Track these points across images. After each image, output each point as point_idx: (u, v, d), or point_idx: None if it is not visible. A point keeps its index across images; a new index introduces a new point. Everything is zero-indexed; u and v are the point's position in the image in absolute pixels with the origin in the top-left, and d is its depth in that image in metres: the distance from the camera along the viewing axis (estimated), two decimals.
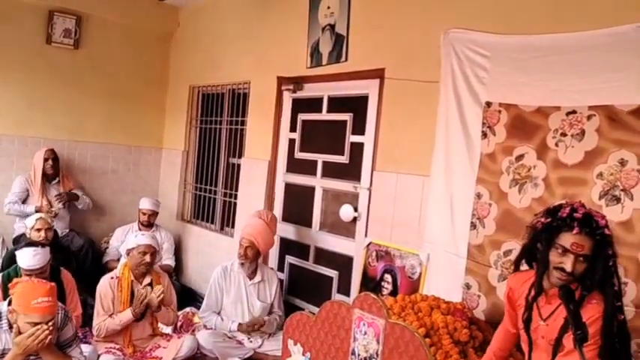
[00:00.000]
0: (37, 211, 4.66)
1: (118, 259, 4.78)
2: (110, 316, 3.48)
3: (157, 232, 5.13)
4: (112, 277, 3.58)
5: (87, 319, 3.69)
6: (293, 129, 4.46)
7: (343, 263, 4.00)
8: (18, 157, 5.24)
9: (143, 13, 5.76)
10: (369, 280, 3.60)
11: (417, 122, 3.36)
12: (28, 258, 3.18)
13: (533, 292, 2.01)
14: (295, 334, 2.60)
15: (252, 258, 3.93)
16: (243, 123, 5.06)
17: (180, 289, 4.71)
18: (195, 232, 5.62)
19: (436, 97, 3.17)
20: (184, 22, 5.96)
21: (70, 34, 5.40)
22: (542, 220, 1.97)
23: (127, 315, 3.45)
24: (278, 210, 4.60)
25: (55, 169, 4.98)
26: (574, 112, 2.55)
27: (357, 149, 3.87)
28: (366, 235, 3.73)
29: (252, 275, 3.97)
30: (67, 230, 4.99)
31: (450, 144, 3.10)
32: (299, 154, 4.39)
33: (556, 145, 2.61)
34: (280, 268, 4.53)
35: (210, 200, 5.53)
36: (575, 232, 1.83)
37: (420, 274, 3.27)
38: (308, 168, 4.32)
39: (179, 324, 4.06)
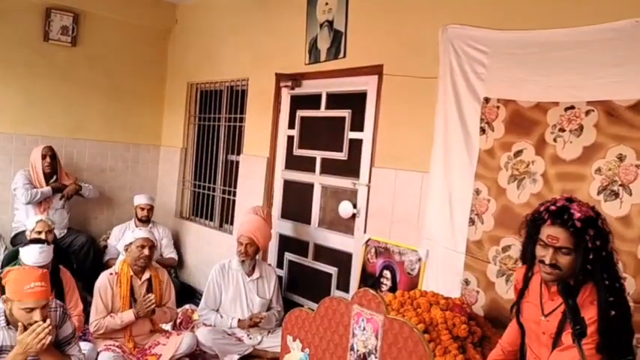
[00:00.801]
0: (56, 190, 4.76)
1: (117, 257, 4.77)
2: (110, 313, 3.48)
3: (155, 229, 5.13)
4: (110, 274, 3.57)
5: (88, 316, 3.69)
6: (291, 126, 4.45)
7: (342, 260, 4.00)
8: (16, 155, 5.22)
9: (141, 9, 5.74)
10: (368, 277, 3.61)
11: (415, 118, 3.36)
12: (34, 255, 3.21)
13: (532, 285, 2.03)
14: (294, 330, 2.61)
15: (253, 255, 3.94)
16: (241, 120, 5.05)
17: (179, 286, 4.72)
18: (194, 229, 5.62)
19: (435, 93, 3.17)
20: (182, 18, 5.95)
21: (67, 32, 5.38)
22: (529, 215, 1.99)
23: (129, 316, 3.47)
24: (277, 207, 4.60)
25: (52, 168, 4.93)
26: (572, 107, 2.55)
27: (356, 146, 3.87)
28: (365, 232, 3.73)
29: (250, 272, 3.97)
30: (66, 231, 4.97)
31: (449, 140, 3.10)
32: (297, 151, 4.39)
33: (554, 140, 2.62)
34: (279, 265, 4.53)
35: (209, 197, 5.53)
36: (548, 223, 1.86)
37: (419, 270, 3.28)
38: (307, 165, 4.32)
39: (178, 321, 4.06)
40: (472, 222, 2.98)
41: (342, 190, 4.04)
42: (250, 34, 4.84)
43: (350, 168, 3.93)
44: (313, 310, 2.67)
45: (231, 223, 5.09)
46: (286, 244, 4.54)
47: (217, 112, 5.43)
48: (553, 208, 1.87)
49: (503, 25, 2.84)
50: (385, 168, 3.57)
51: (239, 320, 3.85)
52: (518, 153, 2.77)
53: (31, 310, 2.40)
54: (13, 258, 3.78)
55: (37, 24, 5.24)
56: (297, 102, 4.43)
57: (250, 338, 3.83)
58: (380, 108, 3.62)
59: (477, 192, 2.96)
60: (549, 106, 2.64)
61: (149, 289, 3.60)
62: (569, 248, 1.82)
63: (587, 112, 2.50)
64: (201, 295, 4.15)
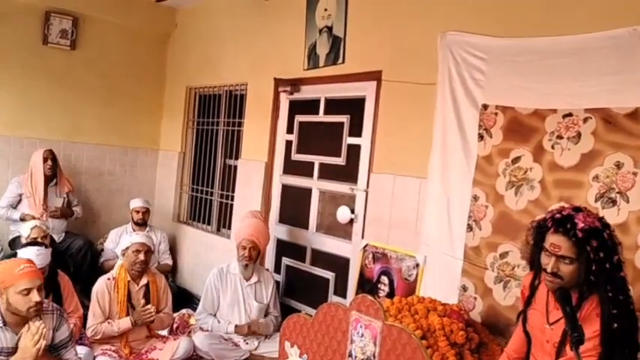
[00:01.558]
0: (21, 220, 4.63)
1: (114, 259, 4.76)
2: (107, 319, 3.47)
3: (152, 233, 5.12)
4: (108, 279, 3.57)
5: (85, 320, 3.69)
6: (290, 130, 4.46)
7: (340, 265, 4.00)
8: (13, 158, 5.22)
9: (140, 14, 5.75)
10: (365, 282, 3.60)
11: (413, 124, 3.36)
12: (31, 257, 3.19)
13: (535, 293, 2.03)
14: (292, 335, 2.60)
15: (256, 258, 3.94)
16: (240, 124, 5.06)
17: (176, 291, 4.71)
18: (191, 233, 5.61)
19: (433, 99, 3.18)
20: (182, 23, 5.96)
21: (66, 35, 5.38)
22: (534, 222, 1.99)
23: (126, 324, 3.46)
24: (275, 211, 4.60)
25: (53, 170, 4.93)
26: (570, 114, 2.56)
27: (354, 151, 3.87)
28: (362, 237, 3.73)
29: (249, 276, 3.97)
30: (64, 234, 4.97)
31: (447, 146, 3.11)
32: (296, 156, 4.39)
33: (552, 147, 2.62)
34: (277, 270, 4.53)
35: (207, 202, 5.53)
36: (551, 231, 1.86)
37: (417, 275, 3.28)
38: (305, 170, 4.32)
39: (175, 326, 4.05)
40: (470, 228, 2.98)
41: (340, 196, 4.04)
42: (249, 38, 4.85)
43: (348, 173, 3.93)
44: (311, 315, 2.67)
45: (229, 228, 5.09)
46: (284, 248, 4.53)
47: (216, 117, 5.43)
48: (558, 216, 1.87)
49: (502, 32, 2.85)
50: (383, 173, 3.57)
51: (236, 326, 3.84)
52: (516, 160, 2.77)
53: (28, 291, 2.39)
54: None
55: (37, 27, 5.25)
56: (296, 107, 4.44)
57: (247, 343, 3.83)
58: (378, 114, 3.63)
59: (475, 198, 2.96)
60: (547, 113, 2.65)
61: (146, 295, 3.60)
62: (572, 258, 1.81)
63: (585, 120, 2.50)
64: (198, 300, 4.14)
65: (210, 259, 5.07)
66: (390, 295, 3.36)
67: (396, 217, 3.48)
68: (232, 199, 5.07)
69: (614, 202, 2.38)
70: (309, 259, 4.28)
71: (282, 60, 4.45)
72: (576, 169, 2.52)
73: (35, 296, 2.39)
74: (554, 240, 1.84)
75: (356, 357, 2.23)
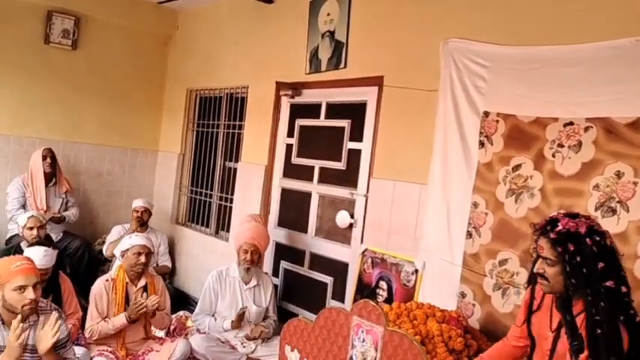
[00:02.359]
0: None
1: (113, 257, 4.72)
2: (104, 319, 3.46)
3: (152, 234, 5.10)
4: (106, 280, 3.56)
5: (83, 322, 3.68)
6: (290, 134, 4.46)
7: (338, 269, 4.00)
8: (13, 157, 5.22)
9: (142, 15, 5.76)
10: (364, 287, 3.60)
11: (415, 130, 3.37)
12: (38, 257, 3.21)
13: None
14: (293, 340, 2.60)
15: (257, 261, 3.94)
16: (240, 127, 5.06)
17: (173, 293, 4.69)
18: (190, 235, 5.61)
19: (434, 105, 3.19)
20: (183, 25, 5.97)
21: (68, 35, 5.39)
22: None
23: (121, 320, 3.44)
24: (274, 215, 4.60)
25: (52, 169, 4.93)
26: (571, 123, 2.57)
27: (355, 156, 3.88)
28: (361, 242, 3.73)
29: (248, 280, 3.96)
30: (61, 234, 4.96)
31: (448, 153, 3.12)
32: (296, 160, 4.40)
33: (553, 156, 2.63)
34: (275, 273, 4.53)
35: (206, 204, 5.53)
36: (539, 233, 1.94)
37: (415, 281, 3.28)
38: (305, 173, 4.33)
39: (172, 327, 4.05)
40: (469, 235, 2.99)
41: (339, 200, 4.05)
42: (251, 41, 4.86)
43: (348, 178, 3.93)
44: (312, 321, 2.66)
45: (228, 230, 5.09)
46: (282, 252, 4.53)
47: (216, 119, 5.44)
48: (547, 219, 1.95)
49: (504, 40, 2.86)
50: (383, 179, 3.58)
51: (232, 322, 3.82)
52: (517, 167, 2.78)
53: (23, 288, 2.38)
54: None
55: (39, 27, 5.26)
56: (297, 111, 4.44)
57: (244, 346, 3.82)
58: (379, 119, 3.64)
59: (475, 205, 2.97)
60: (548, 122, 2.66)
61: (145, 296, 3.58)
62: (552, 260, 1.88)
63: (586, 129, 2.51)
64: (196, 302, 4.13)
65: (209, 262, 5.07)
66: (389, 300, 3.36)
67: (395, 223, 3.49)
68: (231, 202, 5.07)
69: (614, 211, 2.39)
70: (308, 263, 4.28)
71: (284, 63, 4.46)
72: (577, 178, 2.53)
73: (30, 293, 2.39)
74: (540, 241, 1.93)
75: None
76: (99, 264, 5.09)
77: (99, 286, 3.52)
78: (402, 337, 2.10)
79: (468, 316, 2.92)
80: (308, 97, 4.31)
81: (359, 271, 3.65)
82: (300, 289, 4.35)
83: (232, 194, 5.06)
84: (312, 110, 4.27)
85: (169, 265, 5.33)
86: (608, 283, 1.79)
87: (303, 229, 4.33)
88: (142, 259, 3.53)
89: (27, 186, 4.84)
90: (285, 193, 4.55)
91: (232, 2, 5.17)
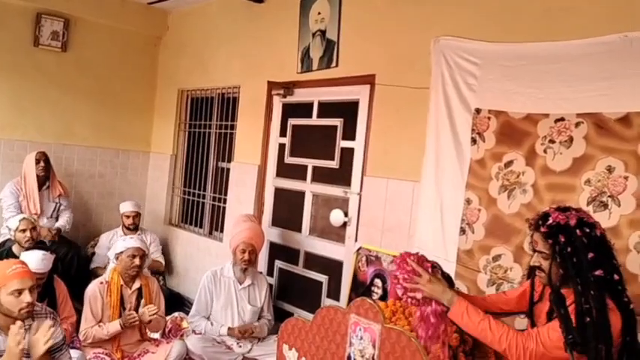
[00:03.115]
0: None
1: (105, 267, 4.73)
2: (98, 323, 3.45)
3: (144, 235, 5.08)
4: (101, 282, 3.55)
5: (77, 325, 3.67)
6: (283, 134, 4.47)
7: (333, 268, 4.01)
8: (4, 161, 5.18)
9: (132, 16, 5.73)
10: (358, 285, 3.62)
11: (407, 128, 3.39)
12: (36, 261, 3.21)
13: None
14: (290, 339, 2.61)
15: (253, 262, 3.95)
16: (232, 127, 5.06)
17: (167, 294, 4.68)
18: (183, 236, 5.60)
19: (426, 103, 3.20)
20: (174, 25, 5.95)
21: (57, 37, 5.36)
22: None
23: (115, 327, 3.43)
24: (267, 214, 4.60)
25: (46, 172, 4.89)
26: (562, 119, 2.59)
27: (348, 154, 3.89)
28: (356, 240, 3.75)
29: (243, 279, 3.97)
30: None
31: (440, 150, 3.13)
32: (289, 159, 4.40)
33: (545, 151, 2.66)
34: (270, 273, 4.53)
35: (199, 205, 5.52)
36: (532, 228, 1.99)
37: None
38: (298, 173, 4.33)
39: (168, 329, 4.04)
40: (463, 231, 3.01)
41: (333, 199, 4.05)
42: (242, 41, 4.86)
43: (341, 176, 3.94)
44: (309, 320, 2.67)
45: (221, 231, 5.08)
46: (277, 251, 4.53)
47: (208, 119, 5.43)
48: (539, 214, 1.99)
49: (495, 37, 2.88)
50: (377, 177, 3.59)
51: (229, 328, 3.83)
52: (509, 163, 2.80)
53: (20, 292, 2.37)
54: None
55: (28, 29, 5.22)
56: (289, 110, 4.45)
57: (240, 346, 3.82)
58: (372, 117, 3.65)
59: (468, 202, 2.98)
60: (539, 118, 2.68)
61: (139, 298, 3.58)
62: (546, 253, 1.92)
63: (577, 124, 2.54)
64: (190, 303, 4.13)
65: (203, 263, 5.06)
66: (384, 298, 3.38)
67: (389, 221, 3.50)
68: (225, 202, 5.06)
69: (605, 205, 2.42)
70: (302, 262, 4.29)
71: (276, 63, 4.46)
72: (568, 173, 2.56)
73: (27, 297, 2.38)
74: (534, 236, 1.98)
75: (355, 359, 2.24)
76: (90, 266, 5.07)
77: (93, 289, 3.50)
78: (399, 334, 2.11)
79: None
80: (300, 96, 4.31)
81: (354, 269, 3.67)
82: (295, 288, 4.36)
83: (225, 195, 5.06)
84: (304, 109, 4.28)
85: (162, 261, 5.30)
86: (597, 272, 1.82)
87: (297, 229, 4.33)
88: (137, 261, 3.52)
89: (20, 190, 4.80)
90: (279, 192, 4.56)
91: (222, 2, 5.16)
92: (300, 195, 4.31)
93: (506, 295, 2.38)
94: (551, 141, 2.63)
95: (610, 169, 2.41)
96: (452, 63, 3.07)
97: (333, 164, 3.99)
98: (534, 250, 1.98)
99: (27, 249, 3.53)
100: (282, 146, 4.48)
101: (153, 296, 3.67)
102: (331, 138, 3.99)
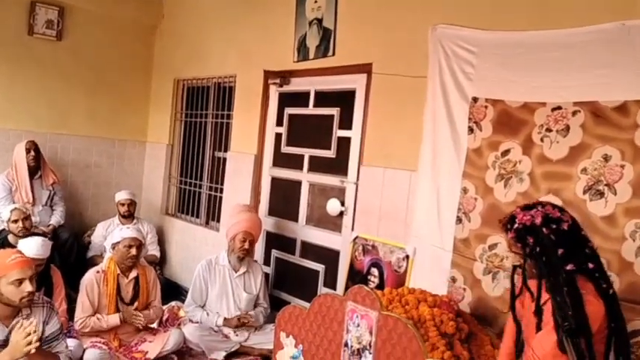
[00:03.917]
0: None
1: (102, 255, 4.74)
2: (95, 312, 3.46)
3: (140, 225, 5.09)
4: (97, 271, 3.55)
5: (72, 313, 3.66)
6: (279, 123, 4.45)
7: (330, 257, 4.02)
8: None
9: (127, 4, 5.68)
10: (355, 274, 3.63)
11: (404, 117, 3.38)
12: (35, 247, 3.21)
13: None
14: (288, 326, 2.62)
15: (251, 251, 3.95)
16: (229, 117, 5.04)
17: (164, 283, 4.69)
18: (180, 226, 5.59)
19: (423, 92, 3.20)
20: (169, 14, 5.90)
21: (52, 26, 5.31)
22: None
23: (115, 320, 3.47)
24: (264, 204, 4.60)
25: (36, 162, 4.88)
26: (559, 108, 2.59)
27: (344, 144, 3.88)
28: (352, 229, 3.75)
29: (237, 267, 3.97)
30: (50, 227, 4.92)
31: (437, 139, 3.13)
32: (285, 149, 4.39)
33: (541, 140, 2.65)
34: (266, 262, 4.54)
35: (196, 194, 5.51)
36: (503, 230, 2.05)
37: (407, 267, 3.30)
38: (295, 162, 4.32)
39: (164, 318, 4.05)
40: (459, 220, 3.01)
41: (330, 188, 4.05)
42: (238, 30, 4.83)
43: (338, 166, 3.94)
44: (302, 307, 2.68)
45: (218, 220, 5.08)
46: (273, 241, 4.54)
47: (204, 109, 5.40)
48: (507, 217, 2.03)
49: (492, 25, 2.87)
50: (373, 166, 3.59)
51: (225, 319, 3.84)
52: (506, 152, 2.80)
53: (20, 281, 2.37)
54: None
55: (22, 17, 5.17)
56: (286, 99, 4.43)
57: (237, 335, 3.84)
58: (369, 106, 3.64)
59: (465, 190, 2.99)
60: (536, 107, 2.68)
61: (136, 288, 3.59)
62: (520, 253, 1.97)
63: (574, 113, 2.53)
64: (187, 292, 4.14)
65: (199, 252, 5.06)
66: (380, 286, 3.39)
67: (386, 210, 3.51)
68: (221, 192, 5.05)
69: (601, 194, 2.42)
70: (299, 252, 4.30)
71: (272, 52, 4.44)
72: (565, 162, 2.56)
73: (28, 286, 2.38)
74: (507, 238, 2.03)
75: (352, 346, 2.25)
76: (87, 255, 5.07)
77: (90, 278, 3.51)
78: (396, 321, 2.13)
79: (459, 301, 2.95)
80: (296, 85, 4.29)
81: (350, 258, 3.67)
82: (291, 277, 4.37)
83: (222, 184, 5.05)
84: (300, 99, 4.26)
85: (157, 254, 5.31)
86: (568, 267, 1.84)
87: (294, 218, 4.33)
88: (133, 251, 3.53)
89: (12, 181, 4.78)
90: (275, 182, 4.55)
91: None
92: (297, 184, 4.31)
93: (506, 345, 2.31)
94: (548, 130, 2.63)
95: (606, 158, 2.42)
96: (449, 51, 3.06)
97: (330, 153, 3.99)
98: (511, 251, 2.03)
99: (23, 237, 3.52)
100: (278, 136, 4.47)
101: (150, 285, 3.68)
102: (328, 127, 3.98)
